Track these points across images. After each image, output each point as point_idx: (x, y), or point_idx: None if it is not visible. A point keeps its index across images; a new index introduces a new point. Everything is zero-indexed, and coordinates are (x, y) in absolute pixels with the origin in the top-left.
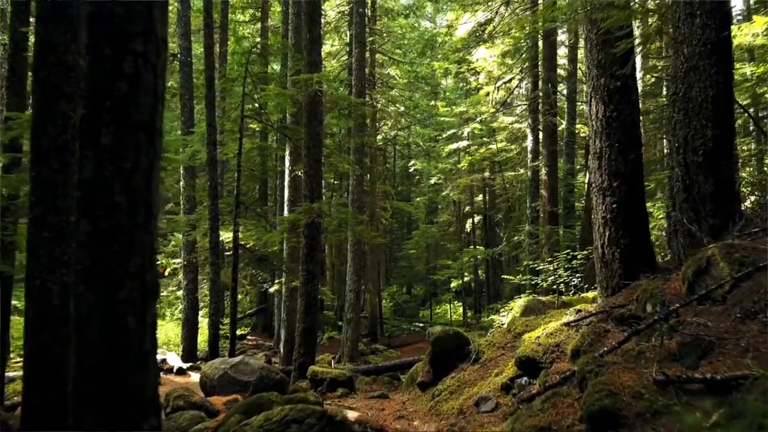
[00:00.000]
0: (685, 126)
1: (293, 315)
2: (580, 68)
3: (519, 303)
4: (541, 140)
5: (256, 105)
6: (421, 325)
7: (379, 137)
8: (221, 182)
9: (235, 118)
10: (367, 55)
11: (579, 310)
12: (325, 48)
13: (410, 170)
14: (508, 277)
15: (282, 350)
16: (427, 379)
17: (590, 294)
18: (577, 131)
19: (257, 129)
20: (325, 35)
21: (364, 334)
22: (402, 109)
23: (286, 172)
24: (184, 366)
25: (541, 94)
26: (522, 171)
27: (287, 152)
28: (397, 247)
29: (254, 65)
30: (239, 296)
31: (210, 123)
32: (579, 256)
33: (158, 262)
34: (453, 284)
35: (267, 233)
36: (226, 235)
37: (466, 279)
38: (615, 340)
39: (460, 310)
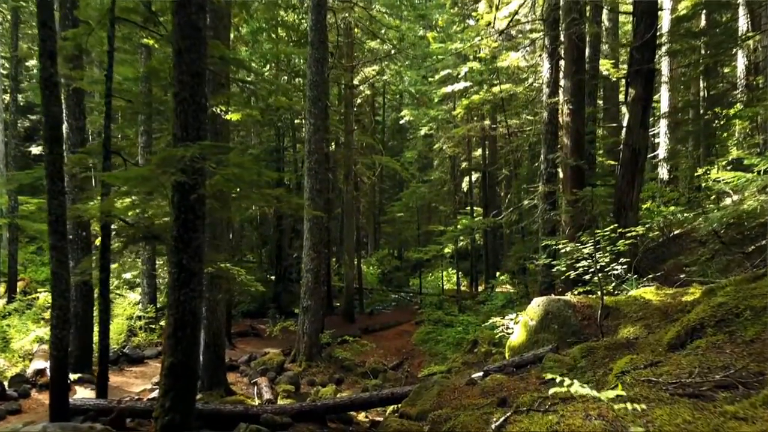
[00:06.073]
0: None
1: (214, 311)
2: None
3: (534, 306)
4: (562, 67)
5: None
6: (411, 294)
7: (361, 82)
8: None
9: (103, 20)
10: None
11: None
12: None
13: (401, 122)
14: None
15: (202, 358)
16: None
17: (647, 293)
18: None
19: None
20: None
21: (341, 312)
22: (393, 51)
23: None
24: (71, 377)
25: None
26: (530, 117)
27: None
28: (388, 207)
29: None
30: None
31: (44, 22)
32: (629, 234)
33: None
34: (446, 250)
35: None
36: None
37: (461, 243)
38: None
39: (454, 278)
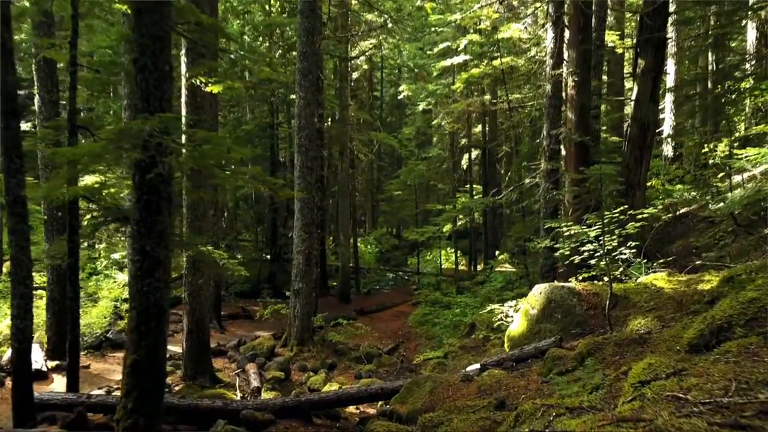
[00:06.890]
0: None
1: (197, 296)
2: None
3: (536, 293)
4: (566, 38)
5: None
6: (409, 273)
7: (358, 55)
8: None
9: None
10: None
11: None
12: None
13: (400, 97)
14: None
15: (186, 345)
16: None
17: (658, 279)
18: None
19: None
20: None
21: (336, 293)
22: (390, 23)
23: (183, 82)
24: (48, 365)
25: None
26: (531, 92)
27: (182, 51)
28: (386, 185)
29: None
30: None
31: None
32: (640, 217)
33: None
34: (445, 228)
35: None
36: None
37: (460, 223)
38: None
39: (453, 257)
